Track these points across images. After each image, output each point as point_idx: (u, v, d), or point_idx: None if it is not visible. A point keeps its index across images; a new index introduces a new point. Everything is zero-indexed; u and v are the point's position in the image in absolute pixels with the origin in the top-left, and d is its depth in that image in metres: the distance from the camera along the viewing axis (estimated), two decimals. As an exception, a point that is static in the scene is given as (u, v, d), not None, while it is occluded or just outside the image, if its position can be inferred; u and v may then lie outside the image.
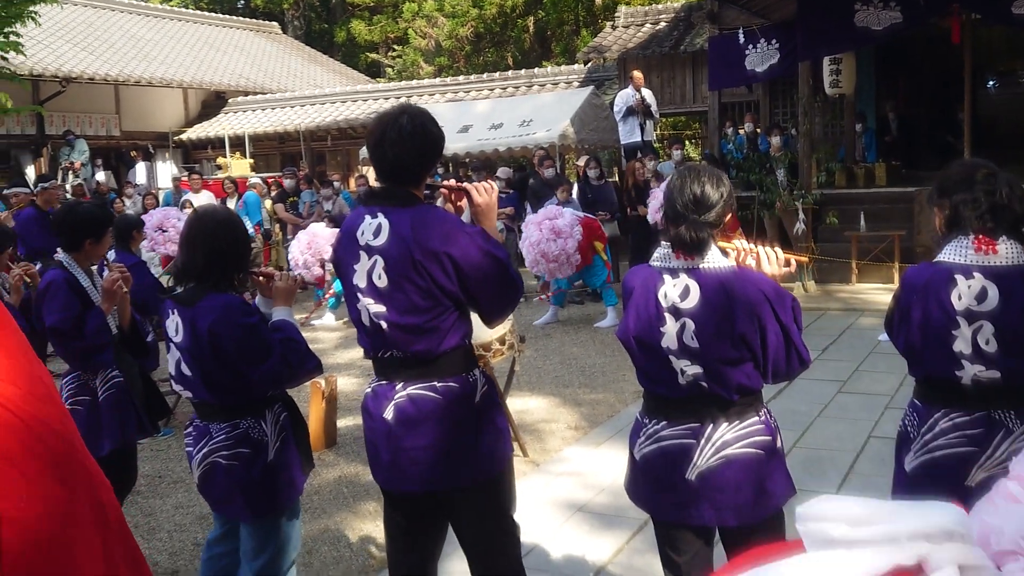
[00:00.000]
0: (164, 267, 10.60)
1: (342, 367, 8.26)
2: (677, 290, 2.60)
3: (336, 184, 14.08)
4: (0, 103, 14.03)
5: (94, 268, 4.14)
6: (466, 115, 16.02)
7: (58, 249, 4.10)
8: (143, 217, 11.11)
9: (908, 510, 1.07)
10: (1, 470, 1.25)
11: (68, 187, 15.09)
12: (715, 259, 2.60)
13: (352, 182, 15.87)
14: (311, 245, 10.13)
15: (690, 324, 2.56)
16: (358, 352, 8.00)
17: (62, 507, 1.36)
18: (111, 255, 4.84)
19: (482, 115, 16.12)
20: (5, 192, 12.90)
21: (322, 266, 9.97)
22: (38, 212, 10.60)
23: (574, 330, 9.80)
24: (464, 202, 2.94)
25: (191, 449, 3.12)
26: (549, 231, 9.37)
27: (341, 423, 6.39)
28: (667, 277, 2.63)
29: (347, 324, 10.59)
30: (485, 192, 2.84)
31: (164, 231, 10.25)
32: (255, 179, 15.51)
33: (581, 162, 13.46)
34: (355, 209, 2.94)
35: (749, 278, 2.58)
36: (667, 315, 2.60)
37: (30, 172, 17.89)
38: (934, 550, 1.03)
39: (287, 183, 14.47)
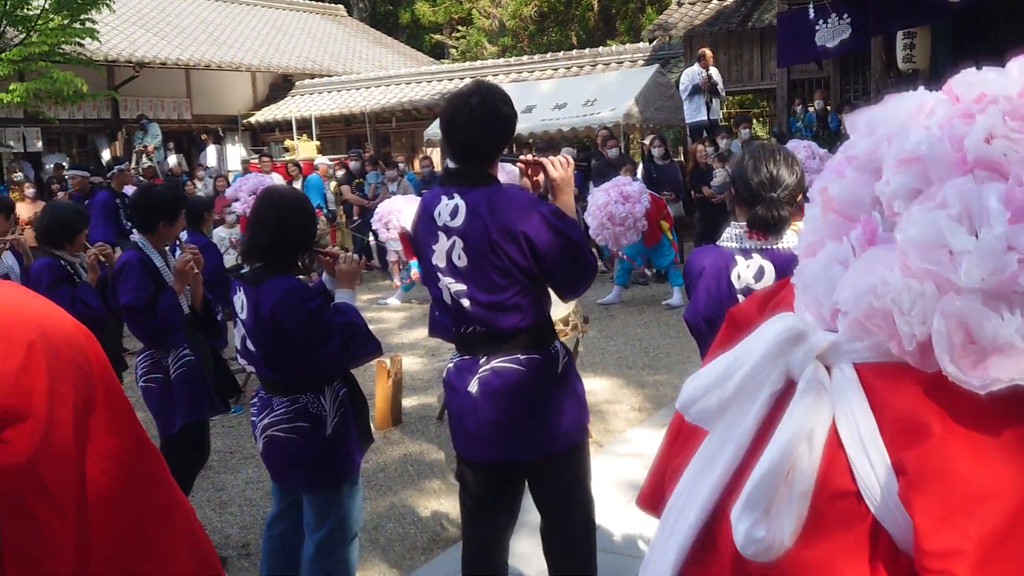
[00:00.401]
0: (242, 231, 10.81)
1: (407, 347, 8.34)
2: (751, 271, 2.56)
3: (401, 166, 14.19)
4: (77, 88, 14.43)
5: (168, 249, 4.23)
6: (530, 95, 15.96)
7: (134, 231, 4.19)
8: (235, 183, 11.36)
9: (753, 341, 1.06)
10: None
11: (140, 170, 15.46)
12: (790, 239, 2.55)
13: (416, 163, 15.96)
14: (389, 216, 10.15)
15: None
16: (422, 332, 8.10)
17: None
18: (183, 236, 4.93)
19: (546, 95, 16.06)
20: (65, 174, 13.32)
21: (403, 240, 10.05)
22: (111, 195, 10.88)
23: (638, 311, 9.73)
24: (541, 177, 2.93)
25: (255, 419, 3.19)
26: (618, 195, 9.36)
27: (406, 402, 6.46)
28: (740, 258, 2.59)
29: (412, 305, 10.70)
30: (561, 166, 2.84)
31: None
32: (322, 160, 15.70)
33: (647, 141, 13.34)
34: (432, 189, 2.97)
35: None
36: (740, 297, 2.56)
37: (106, 155, 18.39)
38: (791, 361, 1.03)
39: (352, 165, 14.62)
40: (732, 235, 2.65)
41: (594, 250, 9.77)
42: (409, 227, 3.11)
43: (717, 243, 2.72)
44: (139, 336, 4.10)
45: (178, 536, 1.23)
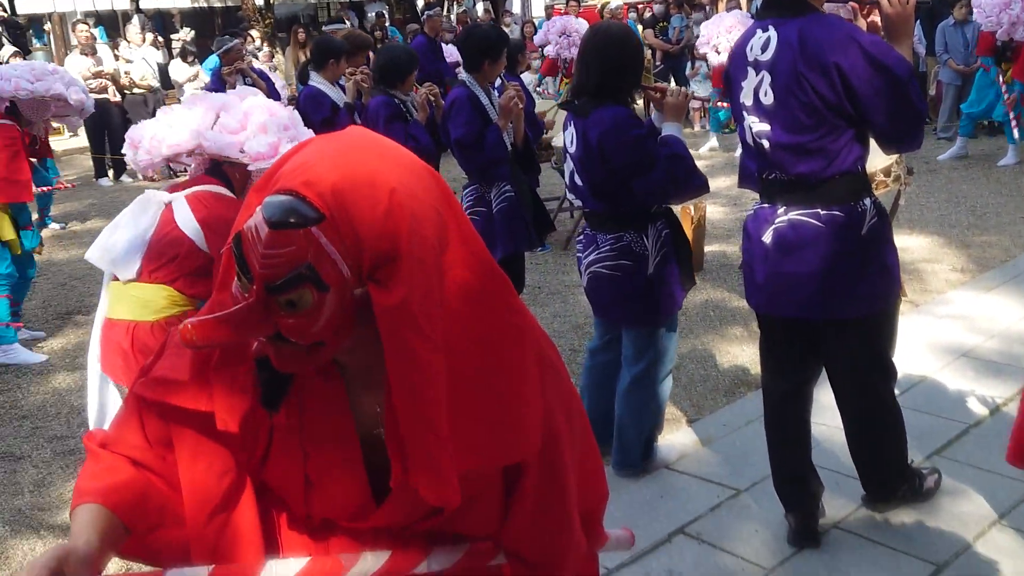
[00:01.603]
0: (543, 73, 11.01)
1: (711, 195, 8.22)
2: None
3: (707, 7, 13.62)
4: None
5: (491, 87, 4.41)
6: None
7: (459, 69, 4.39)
8: (542, 28, 11.55)
9: None
10: None
11: (453, 16, 16.01)
12: None
13: (721, 5, 15.23)
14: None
15: None
16: (729, 180, 7.94)
17: None
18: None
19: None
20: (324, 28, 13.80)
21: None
22: (427, 39, 11.40)
23: (963, 166, 8.91)
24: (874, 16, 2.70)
25: (580, 255, 3.33)
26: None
27: (708, 249, 6.45)
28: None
29: (715, 153, 10.48)
30: (898, 3, 2.55)
31: (568, 36, 10.50)
32: (615, 2, 15.42)
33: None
34: (750, 26, 2.83)
35: None
36: None
37: (420, 2, 19.17)
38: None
39: (656, 8, 14.23)
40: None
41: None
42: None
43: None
44: (467, 170, 4.37)
45: (528, 356, 1.29)
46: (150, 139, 3.02)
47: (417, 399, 1.14)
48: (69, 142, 14.54)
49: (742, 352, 4.74)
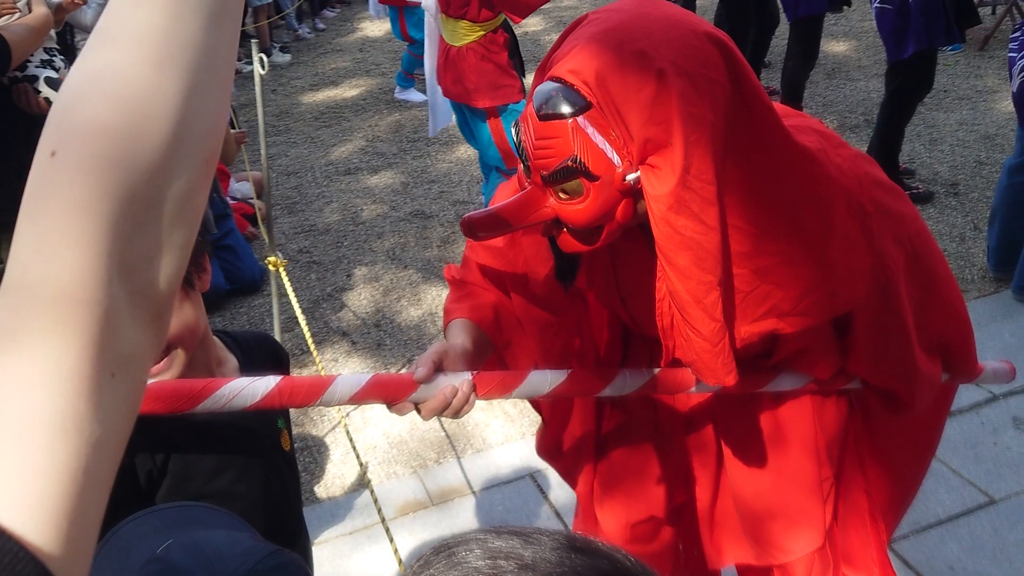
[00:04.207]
0: None
1: None
2: None
3: None
4: None
5: None
6: None
7: None
8: None
9: None
10: None
11: None
12: None
13: None
14: None
15: None
16: None
17: None
18: None
19: None
20: None
21: None
22: None
23: None
24: None
25: (1014, 55, 2.96)
26: None
27: None
28: None
29: None
30: None
31: None
32: None
33: None
34: None
35: None
36: None
37: None
38: None
39: None
40: None
41: None
42: None
43: None
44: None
45: (835, 221, 1.21)
46: None
47: (686, 281, 1.12)
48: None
49: None
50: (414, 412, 1.24)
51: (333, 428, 3.05)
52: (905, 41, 3.89)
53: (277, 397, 1.14)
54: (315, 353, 2.53)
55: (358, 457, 2.31)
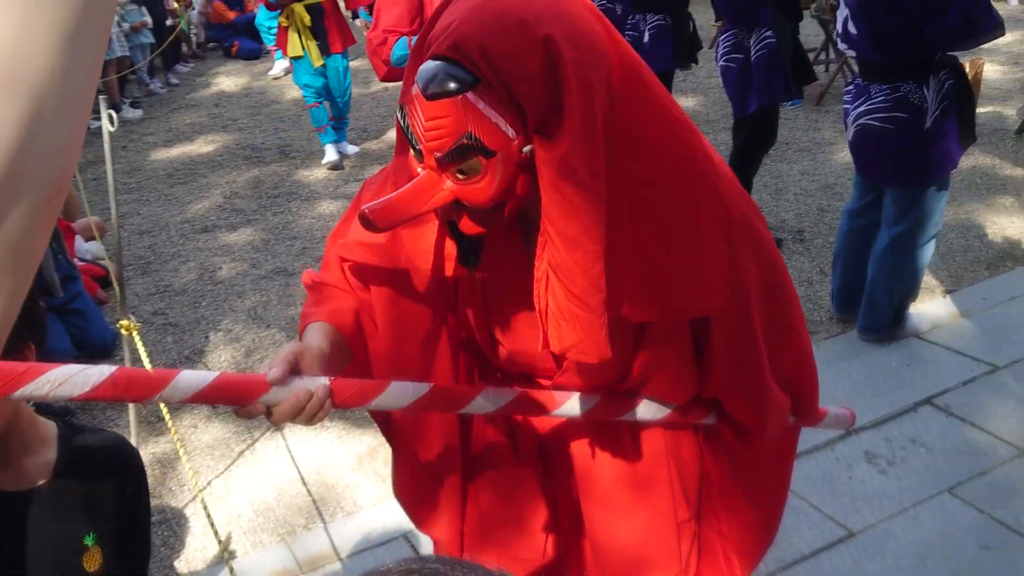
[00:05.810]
0: None
1: (988, 50, 7.46)
2: None
3: None
4: None
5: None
6: None
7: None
8: None
9: None
10: None
11: None
12: None
13: None
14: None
15: None
16: (1012, 37, 7.13)
17: None
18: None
19: None
20: None
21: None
22: None
23: None
24: None
25: (848, 107, 3.14)
26: None
27: (982, 110, 5.89)
28: None
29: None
30: None
31: None
32: None
33: None
34: None
35: None
36: None
37: None
38: None
39: None
40: None
41: None
42: None
43: None
44: (725, 13, 4.18)
45: (717, 213, 1.22)
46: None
47: (574, 252, 1.09)
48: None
49: (1011, 224, 4.39)
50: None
51: (193, 499, 2.90)
52: (748, 97, 4.10)
53: (111, 388, 1.02)
54: (169, 421, 2.42)
55: (216, 533, 2.20)
